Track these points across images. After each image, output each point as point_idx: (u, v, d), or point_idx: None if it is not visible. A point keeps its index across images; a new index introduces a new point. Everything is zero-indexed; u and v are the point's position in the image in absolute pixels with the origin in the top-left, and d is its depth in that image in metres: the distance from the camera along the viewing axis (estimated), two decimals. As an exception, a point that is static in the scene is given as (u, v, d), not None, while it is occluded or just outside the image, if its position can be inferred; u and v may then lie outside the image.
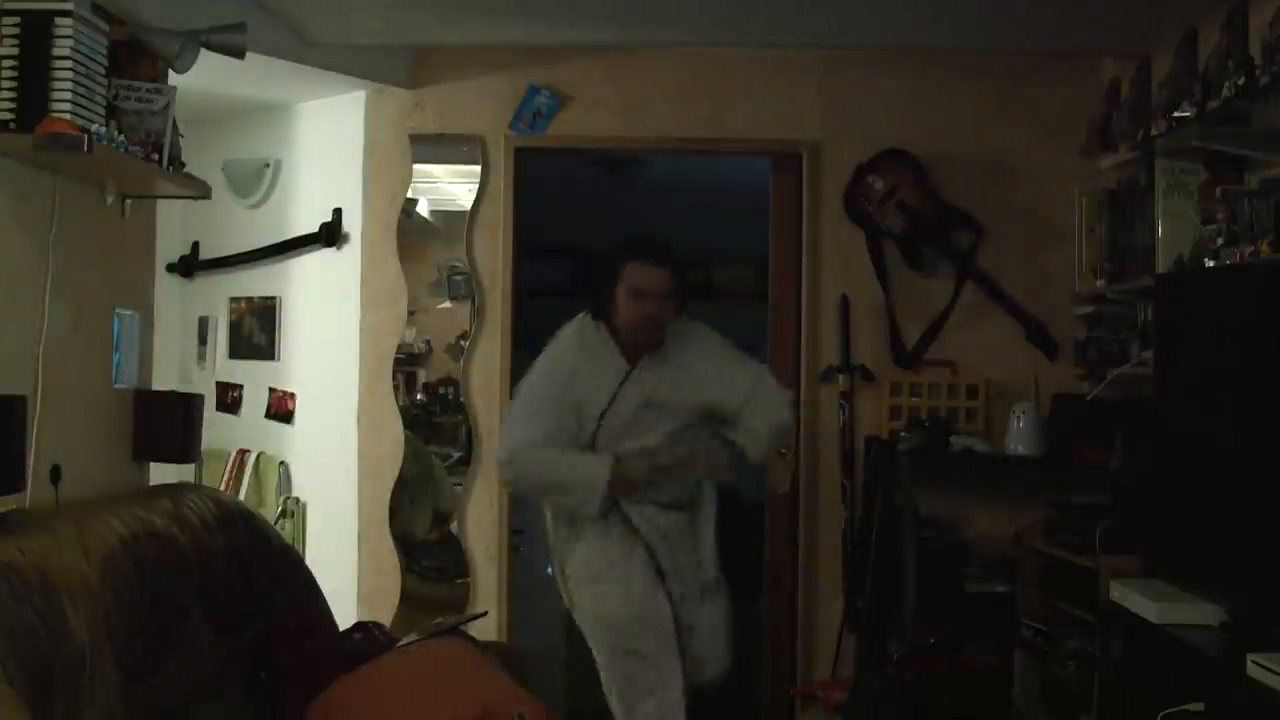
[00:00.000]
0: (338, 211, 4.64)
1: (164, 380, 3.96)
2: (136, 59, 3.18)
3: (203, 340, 5.09)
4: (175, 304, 4.94)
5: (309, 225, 4.71)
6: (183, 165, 3.32)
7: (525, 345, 4.84)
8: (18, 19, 2.72)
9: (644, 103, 4.60)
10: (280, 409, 4.82)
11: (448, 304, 4.64)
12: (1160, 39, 3.84)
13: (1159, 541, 3.38)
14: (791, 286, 4.64)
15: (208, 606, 2.98)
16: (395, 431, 4.60)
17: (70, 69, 2.73)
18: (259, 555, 3.35)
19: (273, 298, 4.86)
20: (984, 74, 4.56)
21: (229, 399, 4.99)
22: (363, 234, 4.61)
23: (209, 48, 3.23)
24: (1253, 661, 2.56)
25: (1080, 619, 3.71)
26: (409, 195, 4.62)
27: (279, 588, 3.39)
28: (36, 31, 2.72)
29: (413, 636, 3.37)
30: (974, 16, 3.99)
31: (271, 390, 4.85)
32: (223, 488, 4.70)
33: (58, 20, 2.73)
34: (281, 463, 4.76)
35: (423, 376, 4.66)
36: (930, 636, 4.19)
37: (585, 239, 6.97)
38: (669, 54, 4.60)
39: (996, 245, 4.55)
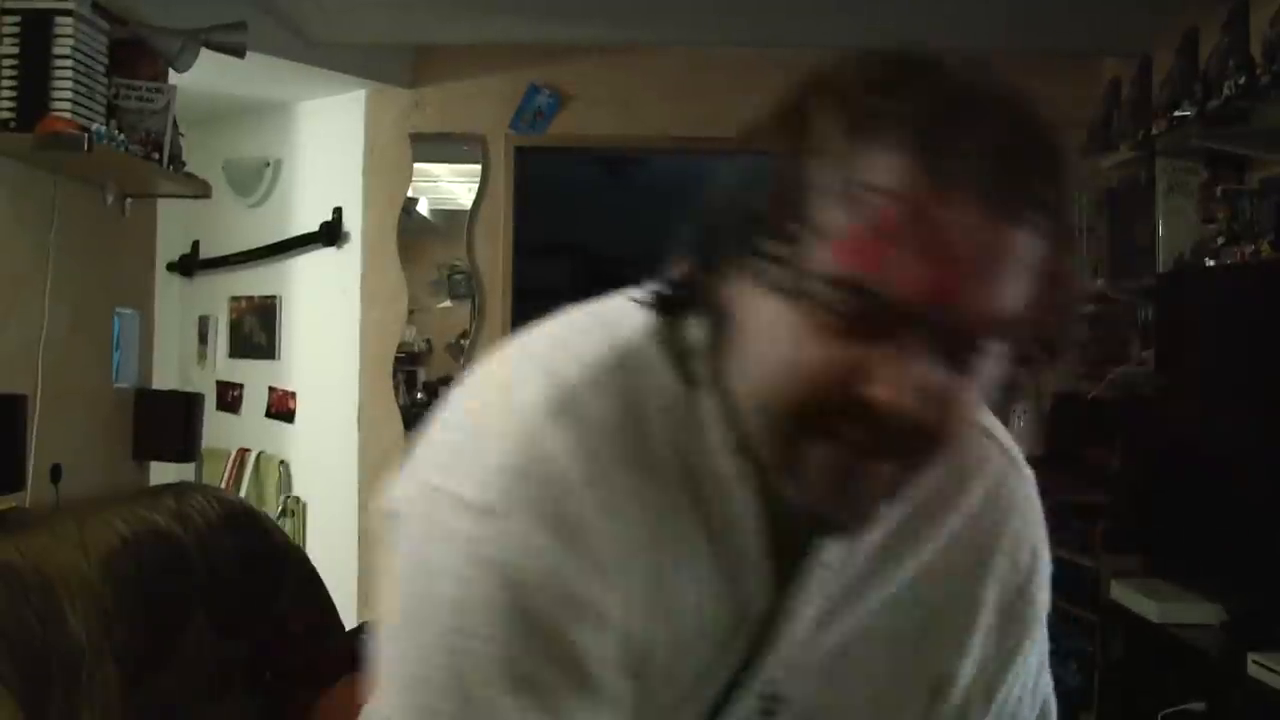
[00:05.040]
0: (338, 211, 4.65)
1: (164, 380, 3.96)
2: (137, 58, 3.17)
3: (203, 339, 5.09)
4: (175, 304, 4.94)
5: (309, 224, 4.71)
6: (183, 164, 3.32)
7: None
8: (18, 18, 2.72)
9: (644, 102, 4.60)
10: (280, 408, 4.82)
11: (448, 303, 4.64)
12: (1160, 39, 3.84)
13: (1159, 541, 3.38)
14: (792, 286, 4.62)
15: (211, 606, 2.96)
16: (395, 431, 4.59)
17: (70, 68, 2.72)
18: (264, 555, 3.33)
19: (273, 297, 4.86)
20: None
21: (229, 398, 4.99)
22: (363, 233, 4.61)
23: (209, 47, 3.23)
24: (1253, 661, 2.57)
25: (1080, 619, 3.71)
26: (409, 195, 4.62)
27: (284, 588, 3.38)
28: (37, 31, 2.72)
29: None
30: (974, 16, 3.98)
31: (272, 389, 4.86)
32: (222, 487, 4.70)
33: (58, 19, 2.72)
34: (282, 462, 4.76)
35: (423, 376, 4.65)
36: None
37: (585, 239, 7.01)
38: (669, 53, 4.59)
39: (997, 245, 4.54)
